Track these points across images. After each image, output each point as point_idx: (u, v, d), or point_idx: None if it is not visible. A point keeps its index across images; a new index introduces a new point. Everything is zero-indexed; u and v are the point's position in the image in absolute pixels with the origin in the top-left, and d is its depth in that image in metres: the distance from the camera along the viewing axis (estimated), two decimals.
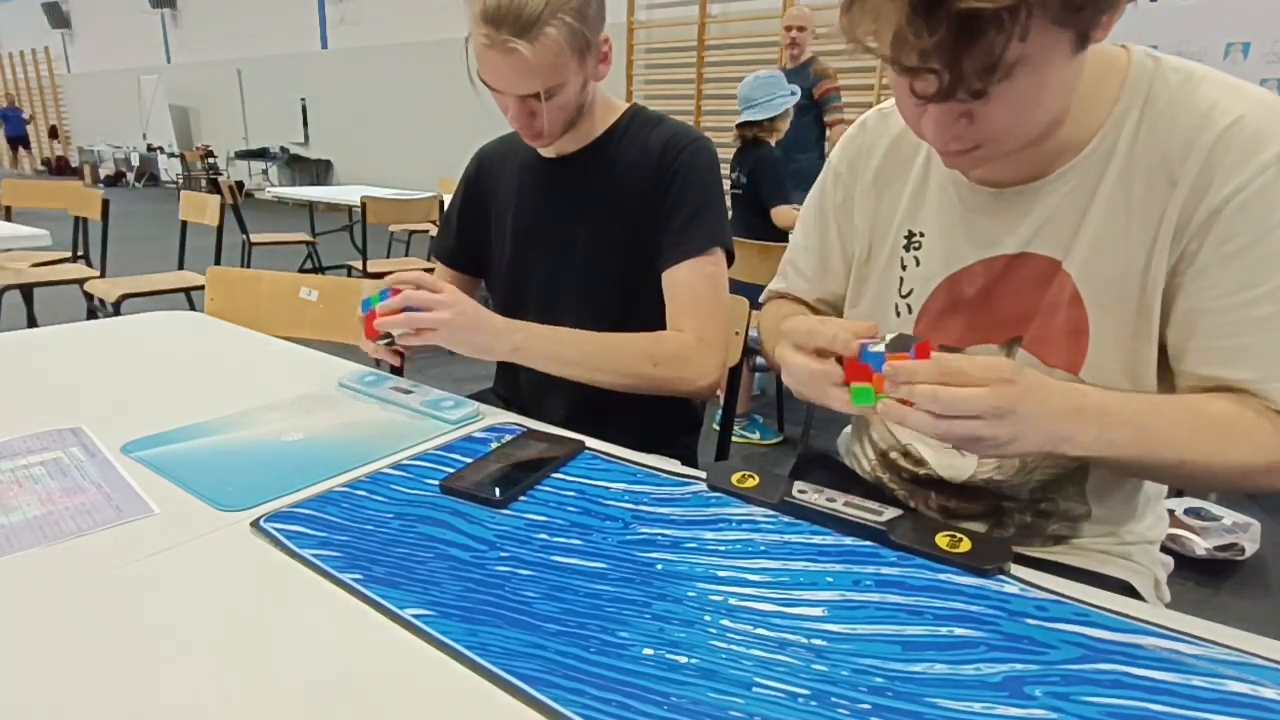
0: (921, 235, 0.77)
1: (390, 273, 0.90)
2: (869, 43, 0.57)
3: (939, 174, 0.76)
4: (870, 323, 0.61)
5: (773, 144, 2.61)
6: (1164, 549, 0.80)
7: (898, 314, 0.79)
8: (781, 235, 2.53)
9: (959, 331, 0.75)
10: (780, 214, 2.54)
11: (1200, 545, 1.86)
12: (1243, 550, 1.88)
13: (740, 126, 2.63)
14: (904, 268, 0.79)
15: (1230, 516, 1.94)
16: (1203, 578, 1.85)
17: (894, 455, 0.83)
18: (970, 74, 0.53)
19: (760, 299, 0.98)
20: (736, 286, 1.05)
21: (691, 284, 0.97)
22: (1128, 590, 0.73)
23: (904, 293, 0.79)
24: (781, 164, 2.61)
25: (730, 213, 1.47)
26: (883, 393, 0.57)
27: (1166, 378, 0.67)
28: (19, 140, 14.68)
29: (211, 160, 11.29)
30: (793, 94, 2.58)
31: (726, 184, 1.15)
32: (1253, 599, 1.81)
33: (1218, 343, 0.62)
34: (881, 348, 0.57)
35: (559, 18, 0.86)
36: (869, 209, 0.82)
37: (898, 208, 0.80)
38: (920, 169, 0.78)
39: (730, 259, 1.01)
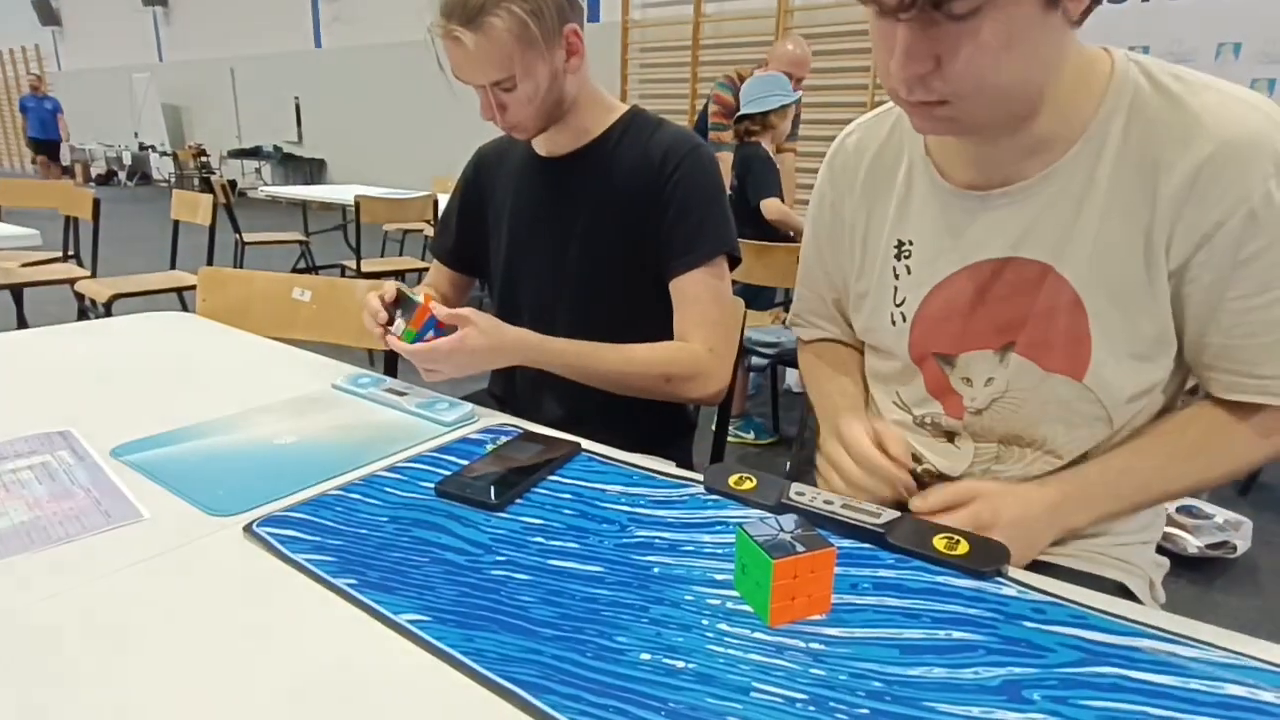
0: (910, 243, 0.77)
1: (386, 273, 0.89)
2: None
3: (923, 181, 0.76)
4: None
5: (766, 143, 2.60)
6: (1157, 548, 0.80)
7: (893, 323, 0.79)
8: (776, 232, 2.52)
9: (950, 338, 0.75)
10: (769, 206, 2.53)
11: (1192, 543, 1.87)
12: (1234, 548, 1.88)
13: (736, 122, 2.63)
14: (896, 276, 0.79)
15: (1222, 514, 1.95)
16: (1194, 575, 1.86)
17: None
18: None
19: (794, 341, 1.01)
20: (734, 288, 1.05)
21: (698, 295, 0.99)
22: (1122, 591, 0.73)
23: (898, 301, 0.79)
24: (769, 162, 2.59)
25: None
26: None
27: (1179, 374, 0.69)
28: (44, 145, 10.20)
29: (204, 159, 11.22)
30: (787, 94, 2.57)
31: None
32: (1244, 597, 1.81)
33: (1236, 342, 0.64)
34: None
35: (505, 7, 0.87)
36: (860, 222, 0.82)
37: (886, 218, 0.80)
38: (904, 177, 0.78)
39: (736, 262, 1.02)
